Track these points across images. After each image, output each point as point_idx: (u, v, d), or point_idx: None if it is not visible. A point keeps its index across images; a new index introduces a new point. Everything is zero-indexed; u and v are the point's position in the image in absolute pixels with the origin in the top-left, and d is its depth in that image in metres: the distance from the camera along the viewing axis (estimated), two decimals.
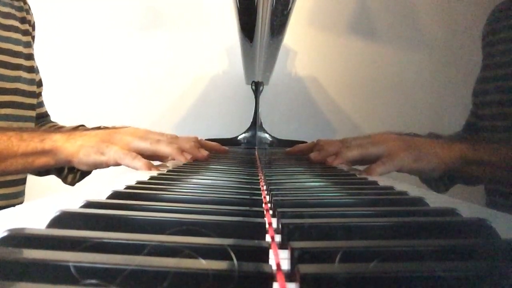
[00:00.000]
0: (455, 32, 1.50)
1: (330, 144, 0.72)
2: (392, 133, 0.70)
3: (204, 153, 0.73)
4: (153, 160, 0.79)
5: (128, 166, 0.65)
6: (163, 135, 0.71)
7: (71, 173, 0.85)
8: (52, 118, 1.00)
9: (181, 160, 0.68)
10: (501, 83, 0.82)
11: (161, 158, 0.76)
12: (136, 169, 0.64)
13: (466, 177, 0.82)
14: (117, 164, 0.66)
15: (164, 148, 0.67)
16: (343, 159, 0.67)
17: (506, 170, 0.65)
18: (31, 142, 0.65)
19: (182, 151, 0.69)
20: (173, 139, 0.70)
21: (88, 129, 0.86)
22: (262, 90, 1.36)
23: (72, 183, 0.87)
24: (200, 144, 0.87)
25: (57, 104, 1.11)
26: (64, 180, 0.87)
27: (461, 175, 0.75)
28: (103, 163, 0.66)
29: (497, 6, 0.89)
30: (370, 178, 0.61)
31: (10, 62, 0.81)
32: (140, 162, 0.64)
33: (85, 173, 0.87)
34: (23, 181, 0.86)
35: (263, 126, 1.36)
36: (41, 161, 0.66)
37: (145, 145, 0.67)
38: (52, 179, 0.90)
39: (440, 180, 0.84)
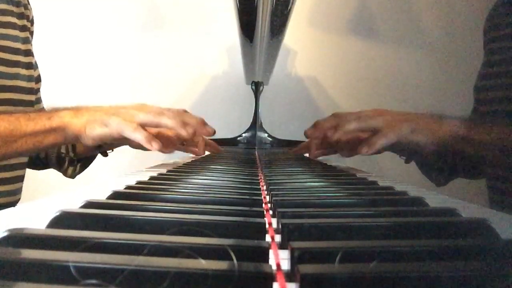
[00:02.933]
0: (455, 32, 1.50)
1: (325, 120, 0.71)
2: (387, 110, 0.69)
3: (209, 129, 0.72)
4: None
5: (129, 137, 0.64)
6: (170, 109, 0.70)
7: (71, 165, 0.86)
8: None
9: (183, 134, 0.67)
10: (503, 80, 0.81)
11: (163, 140, 0.73)
12: (137, 140, 0.63)
13: (466, 167, 0.81)
14: (121, 136, 0.65)
15: (166, 120, 0.66)
16: (343, 131, 0.65)
17: (502, 151, 0.65)
18: (39, 120, 0.65)
19: (185, 124, 0.67)
20: (179, 113, 0.69)
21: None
22: (262, 90, 1.36)
23: (73, 176, 0.87)
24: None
25: (57, 102, 1.11)
26: (65, 173, 0.87)
27: (457, 154, 0.74)
28: (108, 135, 0.65)
29: (498, 0, 0.88)
30: (372, 151, 0.61)
31: (9, 59, 0.81)
32: (141, 134, 0.62)
33: (84, 165, 0.87)
34: (21, 179, 0.86)
35: (263, 126, 1.36)
36: (50, 139, 0.66)
37: (148, 117, 0.66)
38: (52, 179, 0.90)
39: (440, 173, 0.84)
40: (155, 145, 0.62)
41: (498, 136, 0.65)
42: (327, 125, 0.68)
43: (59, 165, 0.86)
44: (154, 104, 0.70)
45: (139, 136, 0.62)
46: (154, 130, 0.69)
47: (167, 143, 0.73)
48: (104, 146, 0.80)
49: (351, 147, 0.69)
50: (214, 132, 0.73)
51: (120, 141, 0.69)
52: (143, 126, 0.65)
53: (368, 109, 0.68)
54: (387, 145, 0.61)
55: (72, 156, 0.86)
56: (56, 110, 0.67)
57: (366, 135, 0.66)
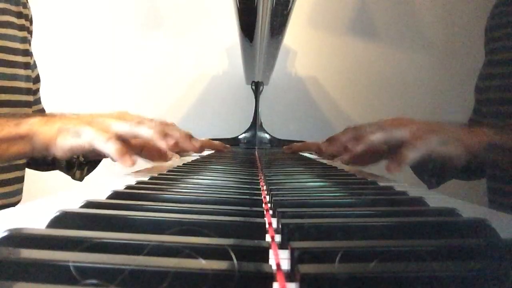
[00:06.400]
0: (455, 32, 1.50)
1: (343, 133, 0.64)
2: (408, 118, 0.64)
3: (196, 143, 0.66)
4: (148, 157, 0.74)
5: (100, 149, 0.55)
6: (152, 120, 0.63)
7: (79, 169, 0.85)
8: None
9: (162, 146, 0.59)
10: (505, 80, 0.80)
11: (152, 152, 0.70)
12: (108, 153, 0.55)
13: (461, 171, 0.80)
14: (92, 148, 0.57)
15: (145, 131, 0.59)
16: (367, 144, 0.58)
17: None
18: (6, 126, 0.59)
19: (165, 135, 0.60)
20: (161, 124, 0.62)
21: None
22: (262, 90, 1.36)
23: (81, 179, 0.86)
24: (204, 143, 0.87)
25: (56, 102, 1.11)
26: (73, 176, 0.86)
27: (486, 164, 0.68)
28: (78, 147, 0.57)
29: (499, 0, 0.87)
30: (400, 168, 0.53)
31: (7, 59, 0.80)
32: (114, 145, 0.54)
33: (92, 167, 0.87)
34: (20, 180, 0.85)
35: (263, 126, 1.37)
36: (16, 147, 0.59)
37: (124, 127, 0.58)
38: (52, 179, 0.90)
39: (432, 175, 0.82)
40: (128, 161, 0.54)
41: None
42: (346, 138, 0.62)
43: (68, 169, 0.85)
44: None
45: (111, 147, 0.54)
46: (138, 142, 0.63)
47: (158, 155, 0.69)
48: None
49: (362, 157, 0.64)
50: (201, 148, 0.67)
51: (96, 154, 0.62)
52: (120, 137, 0.58)
53: (388, 119, 0.62)
54: (418, 158, 0.55)
55: (81, 160, 0.85)
56: (26, 116, 0.61)
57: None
